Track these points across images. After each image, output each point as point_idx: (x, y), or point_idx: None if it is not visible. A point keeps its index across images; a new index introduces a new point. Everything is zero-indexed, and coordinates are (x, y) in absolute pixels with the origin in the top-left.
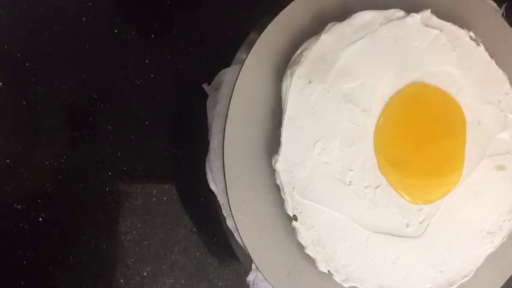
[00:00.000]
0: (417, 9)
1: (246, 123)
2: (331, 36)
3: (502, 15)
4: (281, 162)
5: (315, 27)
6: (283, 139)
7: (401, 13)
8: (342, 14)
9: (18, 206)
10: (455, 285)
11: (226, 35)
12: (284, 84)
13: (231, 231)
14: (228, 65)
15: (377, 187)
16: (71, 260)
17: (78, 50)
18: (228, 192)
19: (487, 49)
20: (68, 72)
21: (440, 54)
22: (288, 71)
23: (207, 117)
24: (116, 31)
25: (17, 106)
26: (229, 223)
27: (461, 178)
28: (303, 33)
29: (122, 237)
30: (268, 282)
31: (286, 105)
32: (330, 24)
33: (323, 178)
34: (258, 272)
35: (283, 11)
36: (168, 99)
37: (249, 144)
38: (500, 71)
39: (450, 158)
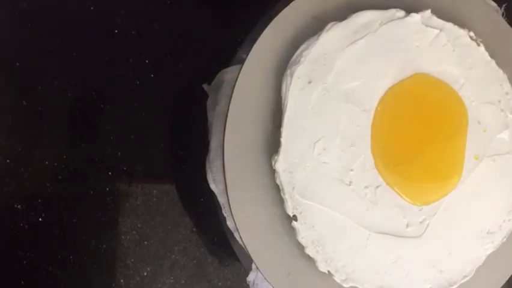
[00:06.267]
0: (417, 9)
1: (246, 123)
2: (331, 36)
3: (502, 15)
4: (281, 162)
5: (315, 27)
6: (283, 139)
7: (401, 13)
8: (342, 14)
9: (18, 206)
10: (455, 285)
11: (226, 35)
12: (284, 84)
13: (231, 231)
14: (228, 65)
15: (377, 187)
16: (71, 260)
17: (78, 50)
18: (228, 192)
19: (487, 49)
20: (68, 72)
21: (440, 54)
22: (288, 71)
23: (207, 117)
24: (116, 31)
25: (17, 106)
26: (229, 223)
27: (461, 178)
28: (303, 33)
29: (122, 237)
30: (268, 282)
31: (286, 105)
32: (330, 24)
33: (323, 178)
34: (258, 272)
35: (283, 11)
36: (168, 99)
37: (249, 144)
38: (500, 71)
39: (450, 159)
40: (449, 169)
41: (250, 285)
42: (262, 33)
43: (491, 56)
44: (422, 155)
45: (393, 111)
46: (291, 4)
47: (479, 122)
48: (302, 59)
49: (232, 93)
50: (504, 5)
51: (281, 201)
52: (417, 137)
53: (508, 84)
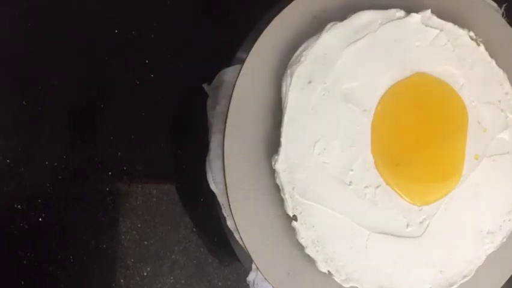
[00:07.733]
0: (417, 9)
1: (246, 123)
2: (331, 36)
3: (502, 15)
4: (281, 163)
5: (315, 27)
6: (283, 139)
7: (401, 13)
8: (342, 14)
9: (18, 206)
10: (455, 285)
11: (226, 35)
12: (284, 84)
13: (231, 231)
14: (228, 65)
15: (377, 187)
16: (71, 260)
17: (78, 50)
18: (228, 192)
19: (487, 49)
20: (68, 72)
21: (440, 54)
22: (288, 71)
23: (207, 117)
24: (116, 31)
25: (17, 106)
26: (229, 223)
27: (461, 178)
28: (303, 33)
29: (122, 237)
30: (268, 282)
31: (286, 105)
32: (330, 24)
33: (323, 178)
34: (258, 272)
35: (283, 11)
36: (168, 99)
37: (249, 144)
38: (500, 71)
39: (450, 159)
40: (449, 169)
41: (250, 285)
42: (262, 33)
43: (491, 56)
44: (422, 155)
45: (393, 111)
46: (291, 4)
47: (479, 122)
48: (302, 59)
49: (232, 93)
50: (504, 5)
51: (281, 201)
52: (417, 137)
53: (508, 84)
